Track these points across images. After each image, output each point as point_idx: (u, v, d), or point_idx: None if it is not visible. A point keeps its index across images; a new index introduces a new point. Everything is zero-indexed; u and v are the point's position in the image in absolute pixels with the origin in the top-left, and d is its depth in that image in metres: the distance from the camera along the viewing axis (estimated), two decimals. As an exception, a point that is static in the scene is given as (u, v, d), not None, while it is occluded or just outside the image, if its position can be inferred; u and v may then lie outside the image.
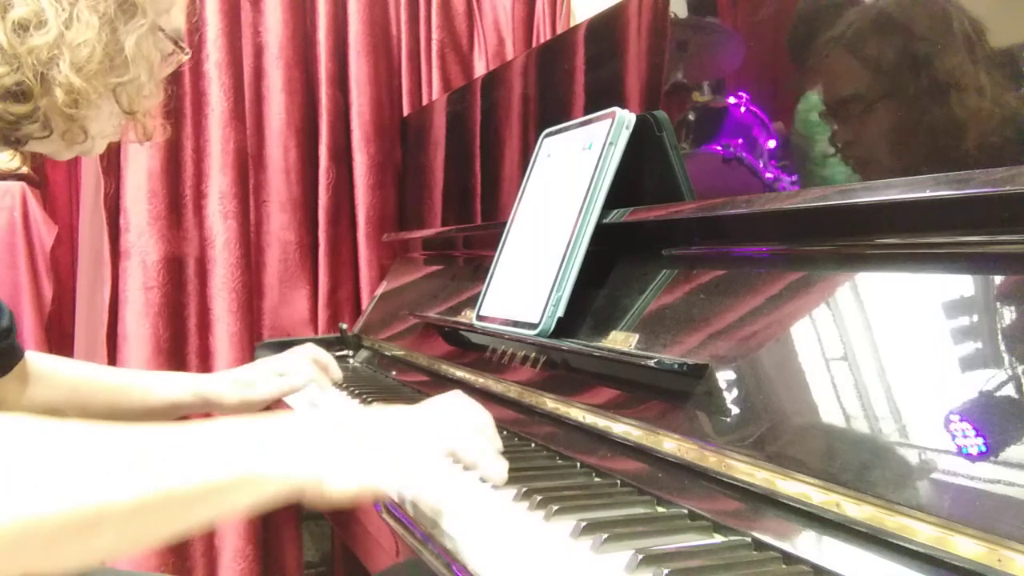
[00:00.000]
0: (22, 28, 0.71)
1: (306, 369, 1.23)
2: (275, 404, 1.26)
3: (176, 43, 0.85)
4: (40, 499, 0.50)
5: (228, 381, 1.16)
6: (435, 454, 0.70)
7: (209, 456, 0.58)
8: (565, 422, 0.95)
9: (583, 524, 0.67)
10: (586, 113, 1.15)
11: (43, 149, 0.82)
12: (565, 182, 1.10)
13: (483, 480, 0.77)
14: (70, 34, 0.73)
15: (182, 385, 1.14)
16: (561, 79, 1.40)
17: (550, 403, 0.99)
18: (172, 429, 0.60)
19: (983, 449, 0.53)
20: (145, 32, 0.80)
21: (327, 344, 1.85)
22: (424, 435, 0.70)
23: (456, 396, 0.78)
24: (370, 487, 0.63)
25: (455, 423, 0.75)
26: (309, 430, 0.65)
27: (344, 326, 1.85)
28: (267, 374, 1.19)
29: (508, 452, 0.96)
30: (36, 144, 0.80)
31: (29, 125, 0.74)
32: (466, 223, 1.74)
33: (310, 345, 1.27)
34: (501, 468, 0.75)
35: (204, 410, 1.18)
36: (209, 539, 1.88)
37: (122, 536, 0.55)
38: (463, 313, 1.33)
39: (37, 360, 1.03)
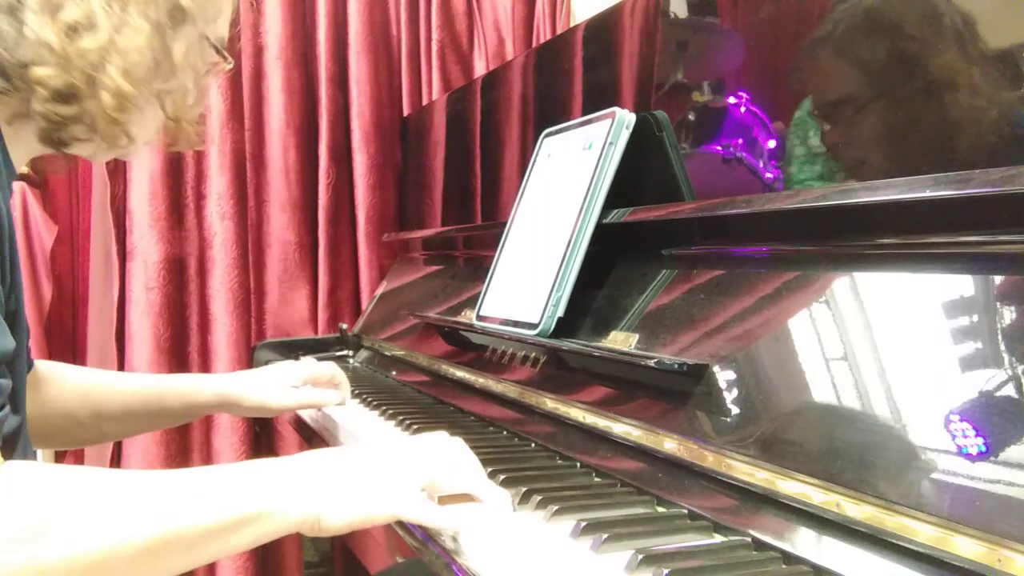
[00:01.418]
0: (73, 30, 0.71)
1: (331, 384, 1.21)
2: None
3: (220, 52, 0.86)
4: (54, 543, 0.53)
5: (251, 386, 1.13)
6: (420, 484, 0.72)
7: (213, 499, 0.62)
8: (565, 422, 0.95)
9: (583, 524, 0.67)
10: (586, 113, 1.15)
11: (83, 152, 0.82)
12: (565, 182, 1.10)
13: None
14: (120, 38, 0.73)
15: (203, 386, 1.12)
16: (561, 79, 1.40)
17: (550, 403, 0.99)
18: (177, 473, 0.64)
19: (983, 449, 0.53)
20: (193, 40, 0.81)
21: (327, 344, 1.86)
22: (410, 467, 0.73)
23: (438, 435, 0.80)
24: (362, 518, 0.68)
25: (438, 457, 0.76)
26: (305, 469, 0.69)
27: (344, 326, 1.85)
28: (288, 381, 1.16)
29: (508, 452, 0.96)
30: (77, 146, 0.79)
31: (74, 127, 0.75)
32: (466, 223, 1.74)
33: (332, 365, 1.25)
34: (499, 495, 0.75)
35: (222, 411, 1.16)
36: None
37: (141, 571, 0.57)
38: (463, 313, 1.33)
39: (47, 367, 1.03)
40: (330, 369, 1.22)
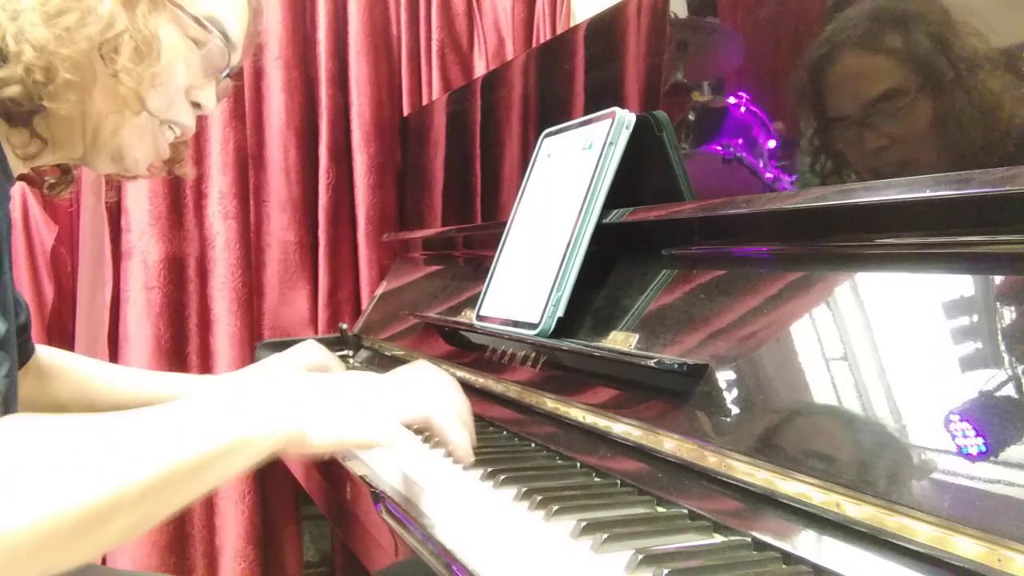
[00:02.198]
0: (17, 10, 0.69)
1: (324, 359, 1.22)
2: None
3: (200, 23, 0.81)
4: (57, 496, 0.52)
5: (232, 386, 1.15)
6: (409, 416, 0.75)
7: (203, 428, 0.63)
8: (565, 422, 0.95)
9: (583, 524, 0.67)
10: (586, 113, 1.15)
11: (71, 156, 0.81)
12: (565, 182, 1.10)
13: (449, 455, 0.79)
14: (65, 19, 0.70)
15: (185, 385, 1.13)
16: (561, 79, 1.40)
17: (550, 403, 0.99)
18: (167, 409, 0.64)
19: (983, 449, 0.53)
20: (166, 19, 0.77)
21: (327, 344, 1.86)
22: (400, 397, 0.76)
23: (428, 368, 0.83)
24: (348, 439, 0.70)
25: (430, 391, 0.79)
26: (290, 388, 0.71)
27: (344, 326, 1.85)
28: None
29: (508, 452, 0.96)
30: (63, 142, 0.78)
31: (13, 91, 0.71)
32: (466, 223, 1.74)
33: (311, 344, 1.26)
34: (466, 440, 0.78)
35: None
36: (210, 539, 1.88)
37: (135, 517, 0.57)
38: (463, 313, 1.33)
39: (51, 355, 1.03)
40: (323, 358, 1.23)
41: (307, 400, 0.70)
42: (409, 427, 0.76)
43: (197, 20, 0.81)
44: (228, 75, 0.91)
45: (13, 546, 0.50)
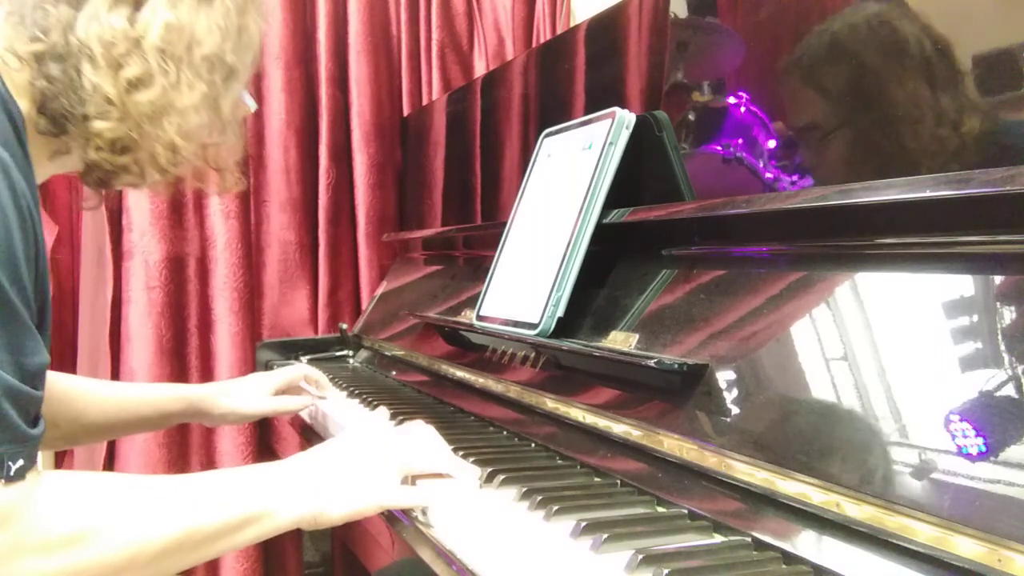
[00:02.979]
0: (132, 86, 0.73)
1: (296, 370, 1.27)
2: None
3: (250, 97, 0.88)
4: (90, 548, 0.60)
5: (218, 391, 1.19)
6: (400, 472, 0.82)
7: (225, 498, 0.70)
8: (565, 422, 0.95)
9: (583, 524, 0.67)
10: (586, 113, 1.15)
11: (122, 184, 0.84)
12: (565, 182, 1.10)
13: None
14: (175, 95, 0.75)
15: (171, 393, 1.17)
16: (561, 79, 1.40)
17: (550, 403, 0.99)
18: (189, 478, 0.71)
19: (983, 449, 0.53)
20: (237, 94, 0.83)
21: (327, 344, 1.86)
22: (392, 458, 0.82)
23: (412, 426, 0.92)
24: (360, 509, 0.77)
25: (410, 443, 0.86)
26: (303, 469, 0.78)
27: (344, 326, 1.85)
28: (262, 390, 1.21)
29: (508, 452, 0.96)
30: (118, 183, 0.82)
31: (124, 175, 0.78)
32: (466, 223, 1.74)
33: (303, 364, 1.31)
34: (468, 470, 0.85)
35: (194, 420, 1.20)
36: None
37: (156, 569, 0.65)
38: (463, 313, 1.33)
39: None
40: (301, 371, 1.28)
41: (322, 481, 0.77)
42: None
43: (249, 93, 0.87)
44: None
45: None
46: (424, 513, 0.78)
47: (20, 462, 0.60)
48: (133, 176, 0.78)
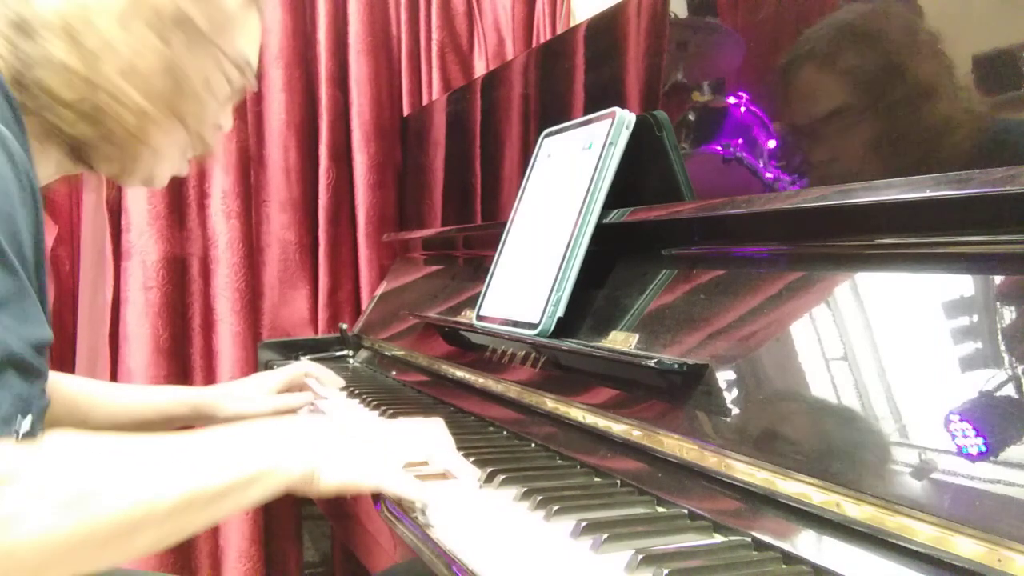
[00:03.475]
0: (94, 55, 0.74)
1: (297, 368, 1.28)
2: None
3: (243, 72, 0.87)
4: (98, 506, 0.58)
5: (222, 394, 1.19)
6: (411, 460, 0.81)
7: (228, 458, 0.69)
8: (565, 422, 0.95)
9: (583, 524, 0.67)
10: (586, 113, 1.15)
11: (110, 171, 0.85)
12: (565, 182, 1.10)
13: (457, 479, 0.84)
14: (139, 60, 0.75)
15: (177, 397, 1.17)
16: (561, 79, 1.40)
17: (550, 403, 0.99)
18: (196, 437, 0.70)
19: (983, 449, 0.53)
20: (209, 58, 0.83)
21: (327, 344, 1.86)
22: (402, 444, 0.81)
23: (417, 421, 0.90)
24: (355, 483, 0.75)
25: (418, 440, 0.84)
26: (305, 431, 0.76)
27: (344, 326, 1.85)
28: (264, 390, 1.22)
29: (508, 452, 0.96)
30: (104, 165, 0.82)
31: (100, 145, 0.78)
32: (466, 223, 1.74)
33: (305, 362, 1.30)
34: (469, 468, 0.84)
35: (199, 423, 1.20)
36: (214, 540, 1.88)
37: (161, 532, 0.63)
38: (463, 313, 1.33)
39: None
40: (303, 369, 1.29)
41: (321, 443, 0.75)
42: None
43: (236, 64, 0.87)
44: None
45: (55, 546, 0.55)
46: (424, 512, 0.77)
47: (30, 419, 0.61)
48: (109, 146, 0.78)
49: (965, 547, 0.51)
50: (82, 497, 0.58)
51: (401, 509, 0.80)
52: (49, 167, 0.81)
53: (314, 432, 0.76)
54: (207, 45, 0.82)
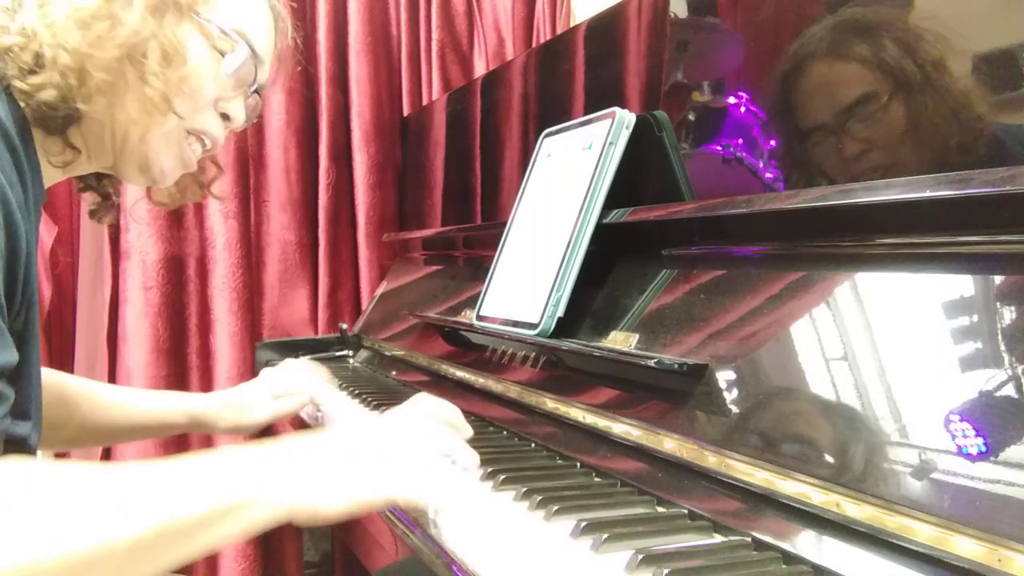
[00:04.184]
0: (18, 3, 0.73)
1: (303, 384, 1.25)
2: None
3: (224, 32, 0.83)
4: (42, 544, 0.52)
5: (221, 403, 1.18)
6: (424, 459, 0.74)
7: (203, 488, 0.61)
8: (565, 422, 0.95)
9: (583, 524, 0.67)
10: (586, 113, 1.15)
11: (104, 162, 0.83)
12: (565, 182, 1.10)
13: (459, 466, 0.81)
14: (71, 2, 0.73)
15: (176, 405, 1.16)
16: (561, 79, 1.40)
17: (550, 403, 0.99)
18: (169, 464, 0.63)
19: (983, 449, 0.53)
20: (180, 18, 0.80)
21: (327, 344, 1.86)
22: (405, 444, 0.74)
23: (421, 398, 0.84)
24: (357, 503, 0.67)
25: (428, 424, 0.79)
26: (297, 455, 0.68)
27: (344, 326, 1.85)
28: (262, 397, 1.21)
29: (508, 452, 0.96)
30: (96, 151, 0.80)
31: (50, 96, 0.74)
32: (466, 223, 1.74)
33: (304, 361, 1.29)
34: (474, 459, 0.81)
35: (197, 430, 1.20)
36: (210, 539, 1.88)
37: (123, 572, 0.56)
38: (463, 313, 1.33)
39: (44, 374, 1.04)
40: (297, 374, 1.28)
41: (314, 468, 0.67)
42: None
43: (223, 31, 0.84)
44: (256, 91, 0.93)
45: None
46: (436, 513, 0.73)
47: None
48: (58, 94, 0.74)
49: (965, 547, 0.51)
50: (31, 532, 0.52)
51: (402, 510, 0.80)
52: (50, 170, 0.80)
53: (304, 457, 0.68)
54: (184, 12, 0.79)
